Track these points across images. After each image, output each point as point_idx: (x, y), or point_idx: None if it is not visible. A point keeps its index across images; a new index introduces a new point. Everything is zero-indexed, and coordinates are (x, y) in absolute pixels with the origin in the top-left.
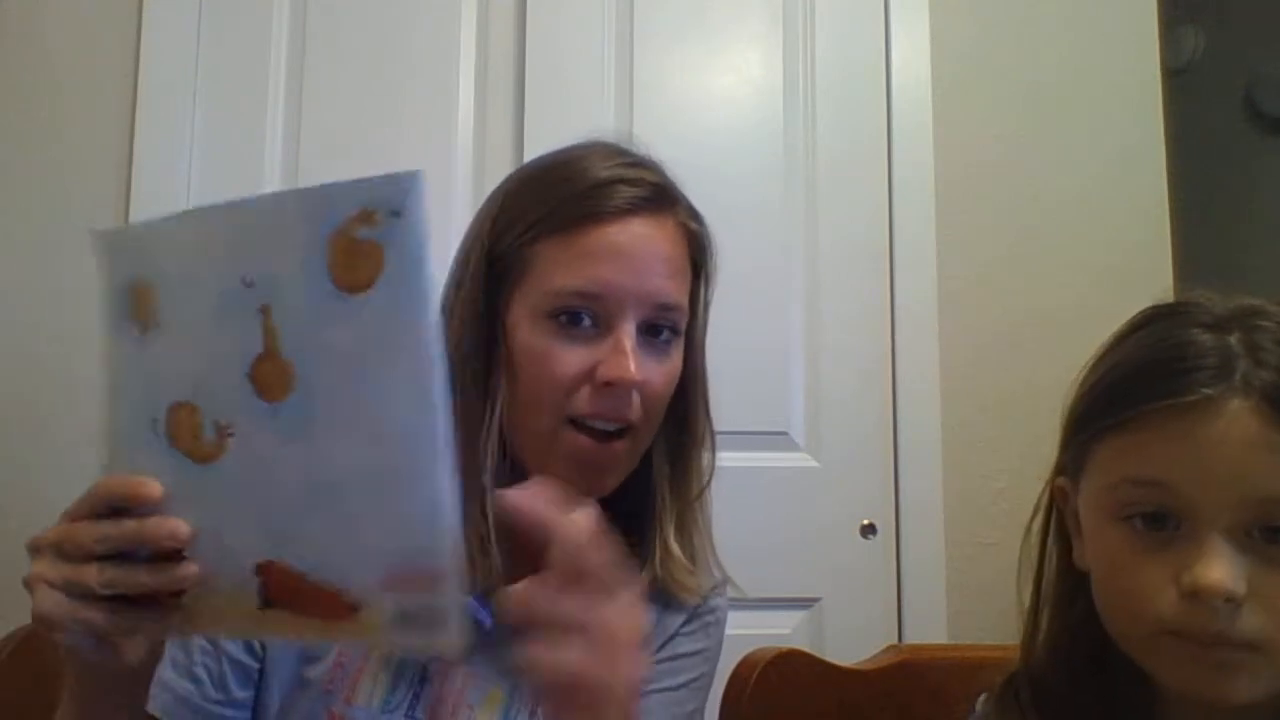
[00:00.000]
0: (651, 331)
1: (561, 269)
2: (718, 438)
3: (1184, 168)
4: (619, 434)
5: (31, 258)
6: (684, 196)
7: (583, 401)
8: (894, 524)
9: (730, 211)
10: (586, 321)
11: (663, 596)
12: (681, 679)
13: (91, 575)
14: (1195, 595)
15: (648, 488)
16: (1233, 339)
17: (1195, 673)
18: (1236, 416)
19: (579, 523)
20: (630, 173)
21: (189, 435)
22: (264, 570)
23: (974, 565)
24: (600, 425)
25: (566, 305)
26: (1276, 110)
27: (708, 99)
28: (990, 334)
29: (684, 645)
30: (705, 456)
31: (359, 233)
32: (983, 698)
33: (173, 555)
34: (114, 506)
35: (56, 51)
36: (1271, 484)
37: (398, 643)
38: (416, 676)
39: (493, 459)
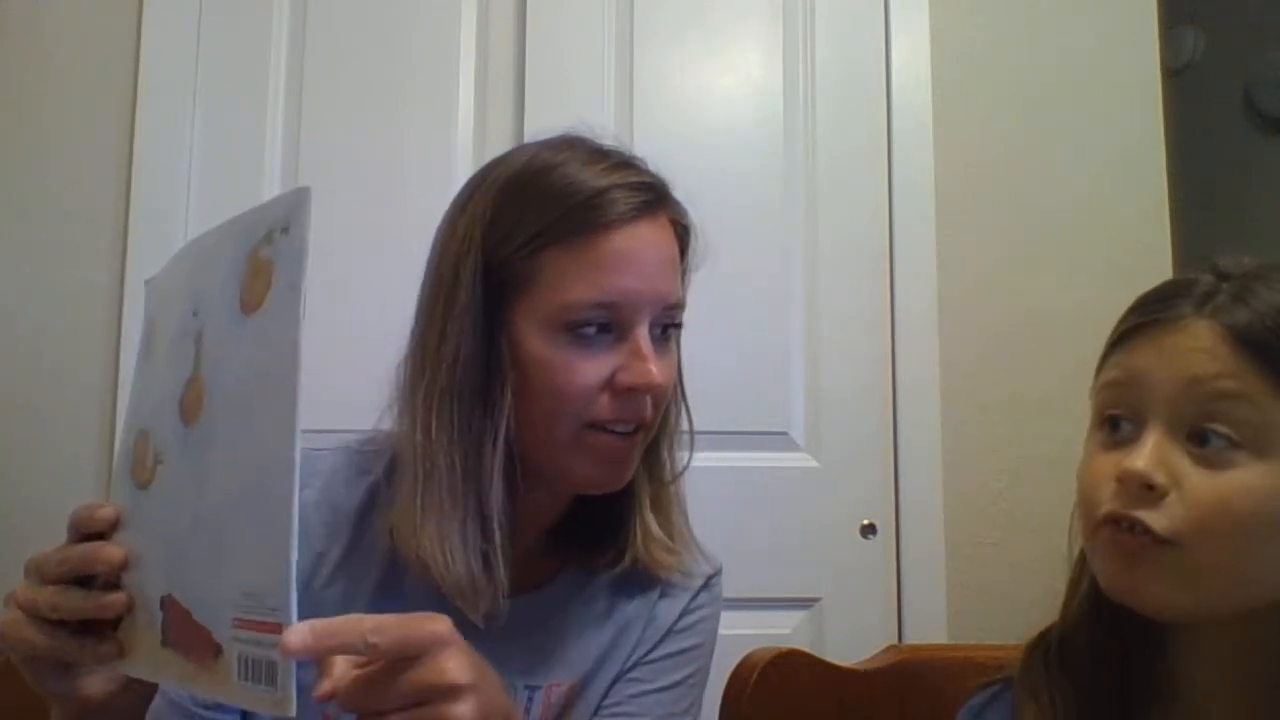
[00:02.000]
0: (663, 333)
1: (574, 280)
2: (718, 438)
3: (1184, 168)
4: (635, 431)
5: (31, 258)
6: (670, 189)
7: (602, 408)
8: (894, 524)
9: (730, 212)
10: (601, 330)
11: (646, 578)
12: (676, 677)
13: (44, 597)
14: (1122, 479)
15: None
16: (1228, 283)
17: (1115, 569)
18: (1196, 331)
19: (355, 621)
20: (625, 176)
21: (140, 462)
22: (166, 605)
23: (974, 565)
24: (620, 428)
25: (584, 318)
26: (1276, 110)
27: (708, 99)
28: (990, 334)
29: (677, 643)
30: (681, 443)
31: (263, 252)
32: (981, 694)
33: (116, 583)
34: (81, 531)
35: (56, 51)
36: (1209, 382)
37: (241, 695)
38: None
39: (497, 477)
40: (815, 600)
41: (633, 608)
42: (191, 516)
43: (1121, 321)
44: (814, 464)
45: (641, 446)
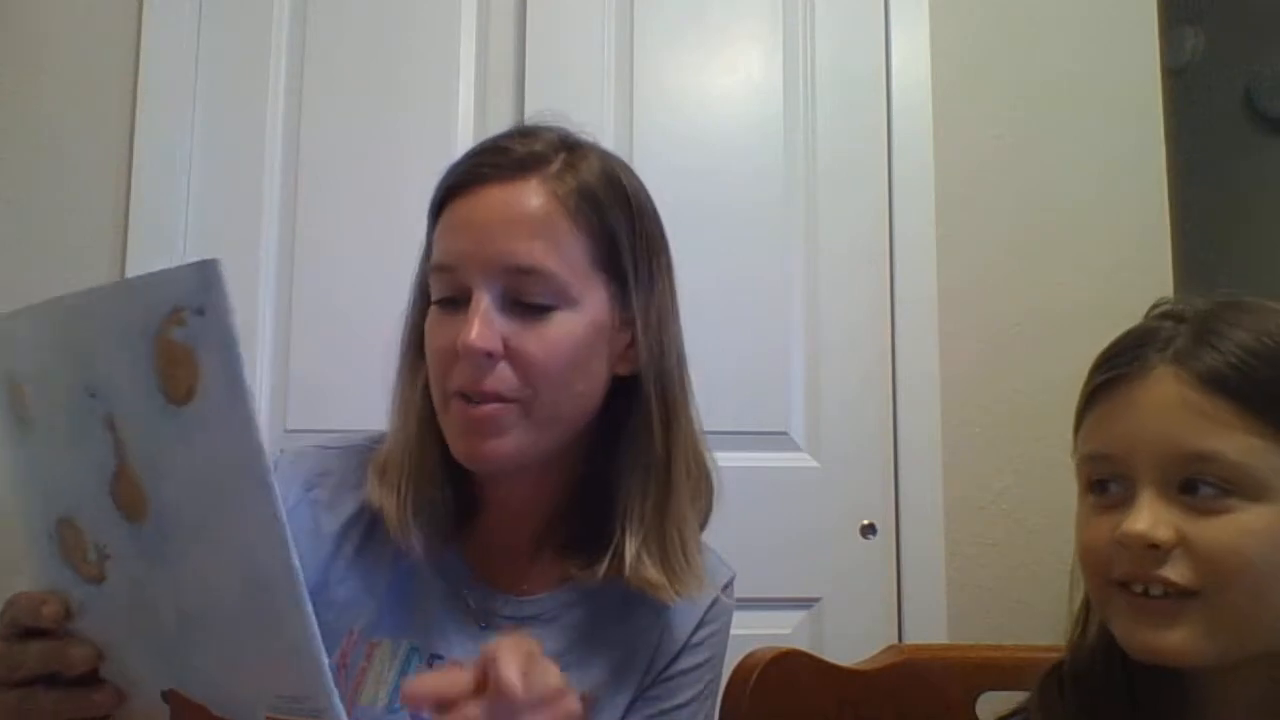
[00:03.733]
0: (527, 301)
1: (434, 250)
2: (718, 438)
3: (1184, 168)
4: (485, 401)
5: (31, 258)
6: (580, 164)
7: (455, 376)
8: (894, 524)
9: (730, 212)
10: (452, 298)
11: (637, 598)
12: (691, 693)
13: (9, 704)
14: (1124, 543)
15: (616, 487)
16: (1186, 325)
17: (1136, 628)
18: (1160, 380)
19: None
20: (503, 144)
21: (78, 554)
22: (171, 698)
23: (974, 565)
24: (472, 397)
25: (437, 284)
26: (1276, 110)
27: (708, 99)
28: (990, 334)
29: (692, 658)
30: (682, 456)
31: (174, 334)
32: (983, 697)
33: (90, 676)
34: (23, 625)
35: (56, 51)
36: (1190, 440)
37: None
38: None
39: (415, 441)
40: (815, 600)
41: (645, 621)
42: (176, 616)
43: (1089, 379)
44: (814, 464)
45: (517, 424)
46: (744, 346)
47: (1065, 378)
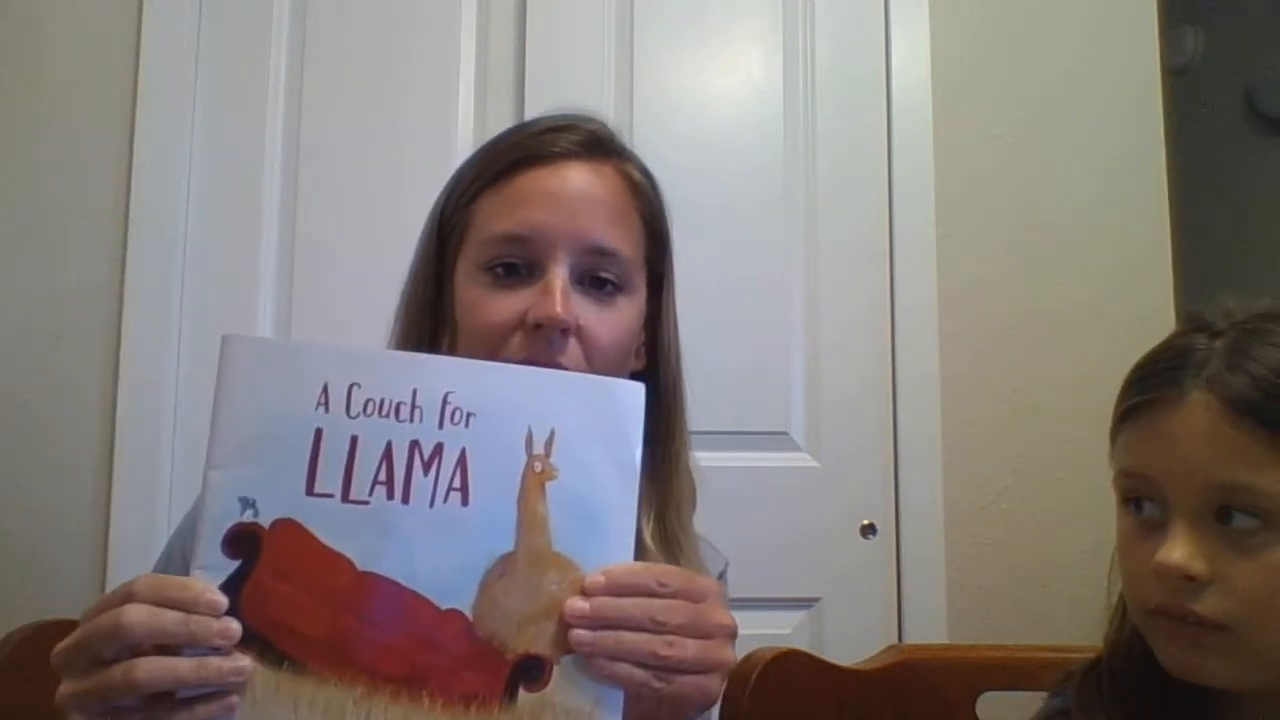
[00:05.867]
0: (595, 283)
1: (494, 217)
2: (718, 438)
3: (1184, 168)
4: None
5: (31, 258)
6: (633, 155)
7: (515, 348)
8: (894, 524)
9: (730, 211)
10: (520, 269)
11: None
12: None
13: None
14: (1160, 574)
15: None
16: (1219, 343)
17: (1175, 652)
18: (1195, 409)
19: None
20: (569, 122)
21: None
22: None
23: (974, 565)
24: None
25: (498, 253)
26: (1276, 110)
27: (708, 99)
28: (990, 334)
29: None
30: (685, 451)
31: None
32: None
33: None
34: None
35: (56, 51)
36: (1224, 472)
37: None
38: None
39: None
40: (815, 600)
41: None
42: None
43: (1123, 395)
44: (814, 464)
45: None
46: (744, 346)
47: (1065, 378)
